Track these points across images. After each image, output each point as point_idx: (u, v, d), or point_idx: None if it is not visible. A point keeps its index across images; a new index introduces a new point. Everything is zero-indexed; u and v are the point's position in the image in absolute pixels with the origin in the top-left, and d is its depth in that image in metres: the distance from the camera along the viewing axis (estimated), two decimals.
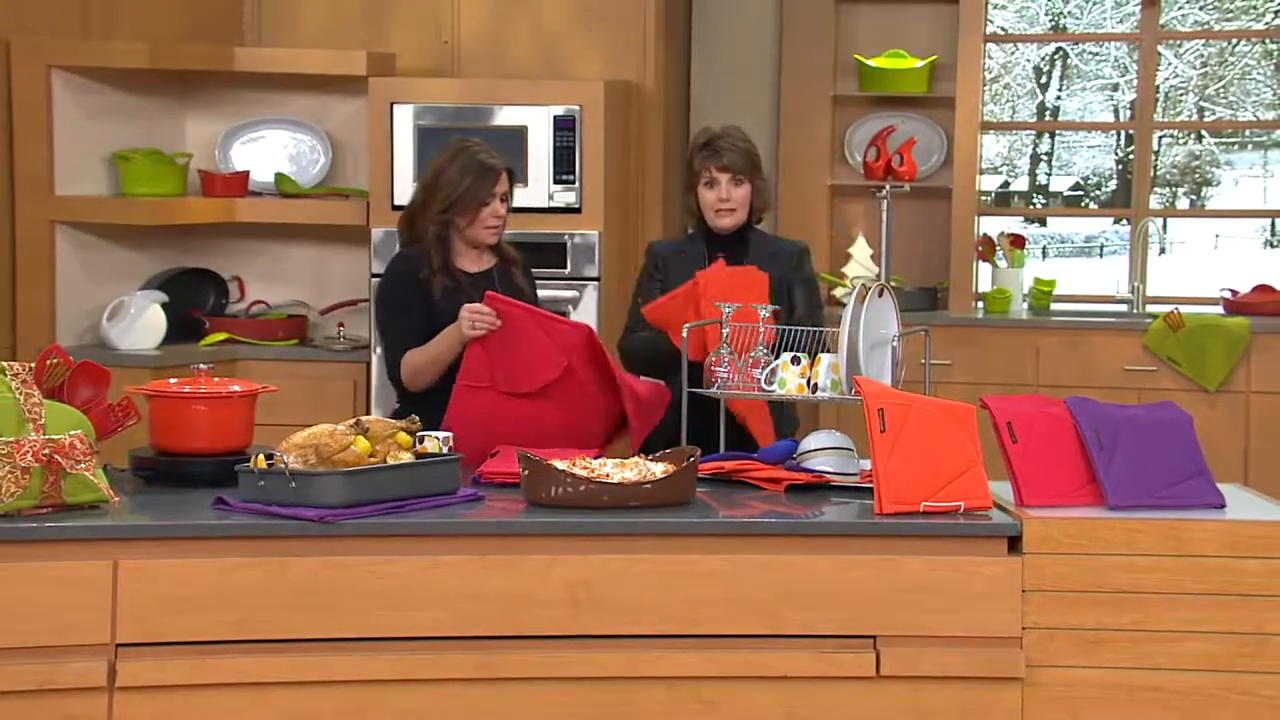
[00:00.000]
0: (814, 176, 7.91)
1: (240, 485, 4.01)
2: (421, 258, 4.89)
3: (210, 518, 3.94)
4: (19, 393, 3.90)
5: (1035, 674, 3.98)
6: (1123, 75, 15.77)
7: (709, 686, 3.95)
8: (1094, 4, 15.35)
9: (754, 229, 5.12)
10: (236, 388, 4.34)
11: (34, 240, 6.69)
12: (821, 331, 4.68)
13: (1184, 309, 7.44)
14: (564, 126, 6.74)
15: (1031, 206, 16.83)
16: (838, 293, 7.59)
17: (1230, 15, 14.66)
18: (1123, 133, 15.91)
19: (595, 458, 4.26)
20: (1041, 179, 17.11)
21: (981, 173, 8.01)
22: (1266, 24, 12.40)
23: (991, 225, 9.22)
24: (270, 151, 7.22)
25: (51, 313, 6.73)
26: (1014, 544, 4.01)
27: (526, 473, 4.09)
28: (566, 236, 6.73)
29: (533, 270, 5.12)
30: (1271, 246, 17.84)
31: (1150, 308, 7.73)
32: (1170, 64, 15.46)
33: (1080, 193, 17.03)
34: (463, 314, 4.70)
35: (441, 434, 4.24)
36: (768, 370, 4.56)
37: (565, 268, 6.71)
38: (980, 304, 7.76)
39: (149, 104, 7.05)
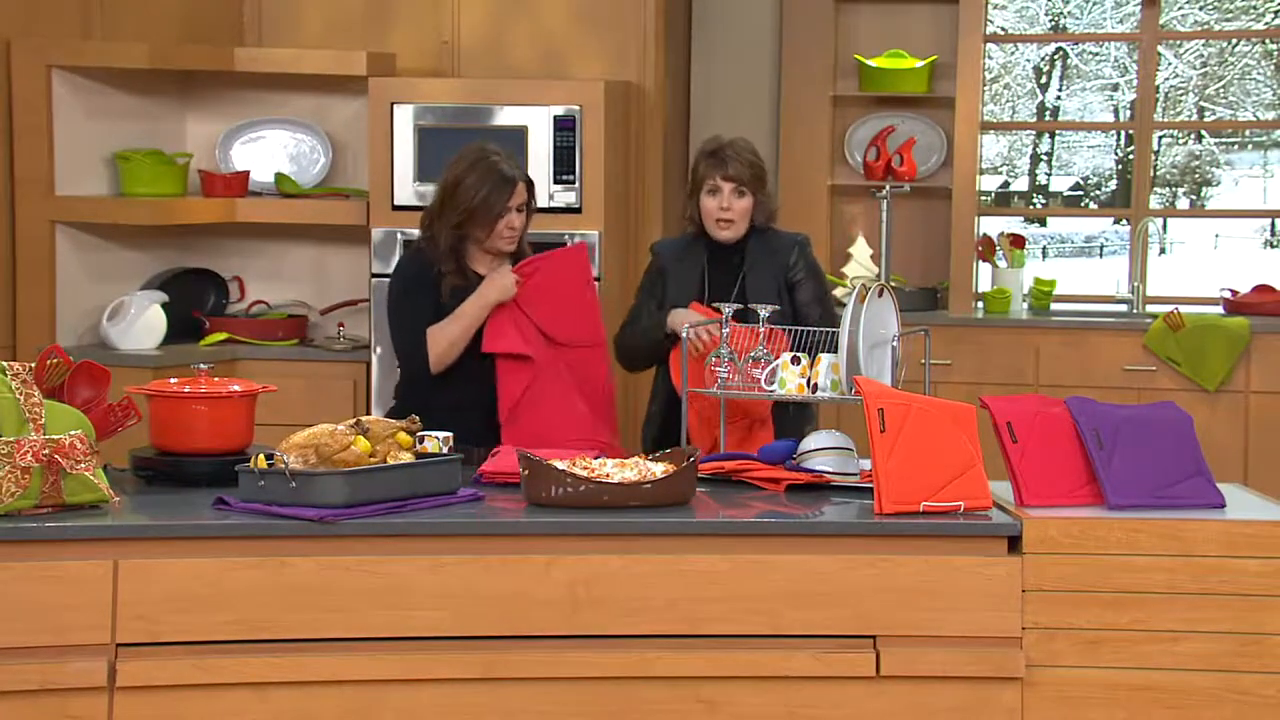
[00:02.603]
0: (814, 176, 7.91)
1: (240, 485, 4.01)
2: (435, 258, 4.91)
3: (210, 518, 3.94)
4: (19, 393, 3.90)
5: (1035, 674, 3.98)
6: (1123, 75, 15.76)
7: (709, 686, 3.95)
8: (1094, 4, 15.33)
9: (753, 230, 5.11)
10: (236, 388, 4.34)
11: (34, 240, 6.68)
12: (822, 331, 4.69)
13: (1184, 309, 7.44)
14: (564, 127, 6.73)
15: (1031, 206, 16.82)
16: (838, 293, 7.59)
17: (1230, 15, 14.64)
18: (1123, 133, 15.90)
19: (595, 458, 4.27)
20: (1041, 179, 17.09)
21: (981, 173, 8.01)
22: (1266, 24, 12.39)
23: (991, 225, 9.22)
24: (270, 151, 7.22)
25: (51, 313, 6.73)
26: (1014, 544, 4.01)
27: (526, 473, 4.09)
28: (566, 237, 6.72)
29: None
30: (1271, 246, 17.83)
31: (1150, 308, 7.72)
32: (1170, 64, 15.45)
33: (1080, 193, 17.01)
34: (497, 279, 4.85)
35: (441, 434, 4.24)
36: (768, 370, 4.56)
37: None
38: (980, 304, 7.76)
39: (149, 104, 7.05)
